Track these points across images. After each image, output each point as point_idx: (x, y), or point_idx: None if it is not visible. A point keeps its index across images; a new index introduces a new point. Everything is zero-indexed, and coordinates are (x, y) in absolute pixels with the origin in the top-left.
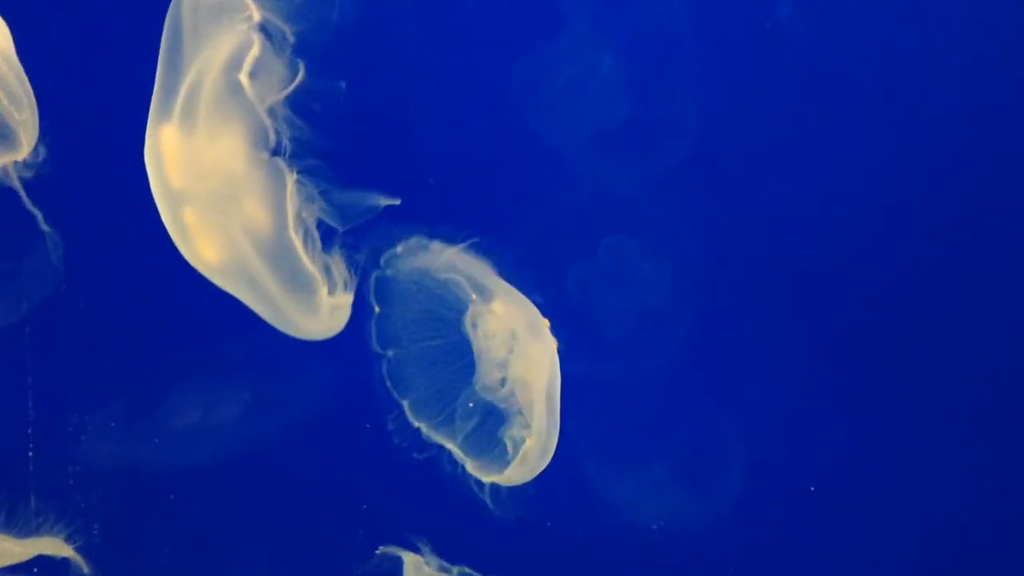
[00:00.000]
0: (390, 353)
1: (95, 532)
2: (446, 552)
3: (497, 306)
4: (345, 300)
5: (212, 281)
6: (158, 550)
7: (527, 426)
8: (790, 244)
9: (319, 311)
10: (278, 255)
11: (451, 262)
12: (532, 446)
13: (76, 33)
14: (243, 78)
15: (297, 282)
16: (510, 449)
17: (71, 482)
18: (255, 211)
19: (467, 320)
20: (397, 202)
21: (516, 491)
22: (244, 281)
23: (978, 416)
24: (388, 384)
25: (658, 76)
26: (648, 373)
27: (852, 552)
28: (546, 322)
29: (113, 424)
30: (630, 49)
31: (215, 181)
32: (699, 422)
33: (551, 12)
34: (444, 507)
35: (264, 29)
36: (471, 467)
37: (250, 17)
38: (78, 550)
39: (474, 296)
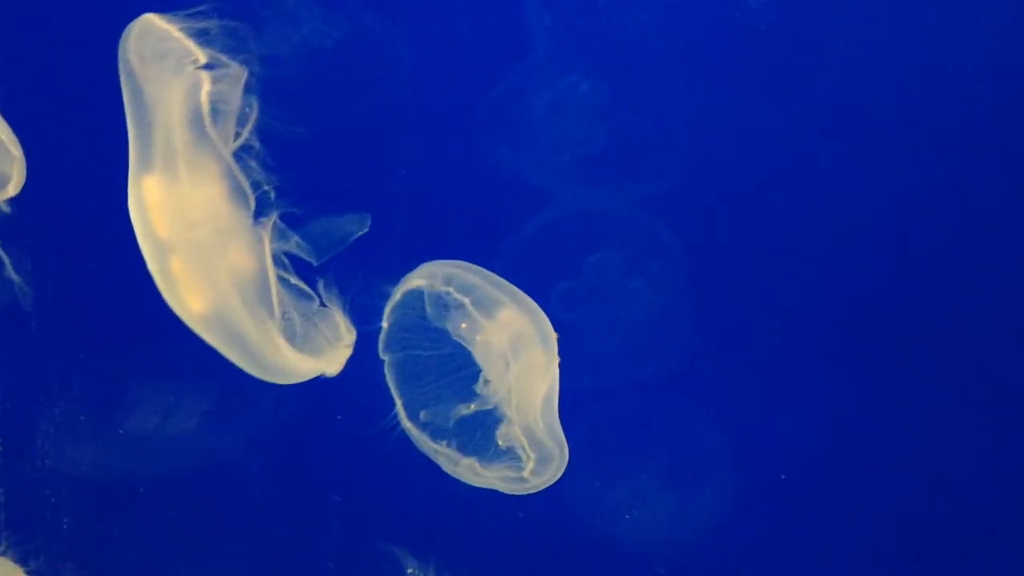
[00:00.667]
0: (388, 357)
1: (65, 527)
2: (432, 552)
3: (502, 314)
4: (341, 355)
5: (196, 332)
6: (128, 544)
7: (534, 436)
8: (783, 249)
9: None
10: (264, 312)
11: (453, 271)
12: (531, 458)
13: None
14: (205, 120)
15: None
16: (519, 457)
17: (40, 476)
18: (239, 258)
19: (466, 330)
20: (366, 228)
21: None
22: (227, 333)
23: (975, 418)
24: (389, 385)
25: (638, 90)
26: (636, 385)
27: (853, 553)
28: (555, 335)
29: (83, 417)
30: (608, 68)
31: (201, 229)
32: (689, 431)
33: (527, 35)
34: (425, 504)
35: (214, 69)
36: (464, 470)
37: (196, 60)
38: (31, 573)
39: (473, 310)
